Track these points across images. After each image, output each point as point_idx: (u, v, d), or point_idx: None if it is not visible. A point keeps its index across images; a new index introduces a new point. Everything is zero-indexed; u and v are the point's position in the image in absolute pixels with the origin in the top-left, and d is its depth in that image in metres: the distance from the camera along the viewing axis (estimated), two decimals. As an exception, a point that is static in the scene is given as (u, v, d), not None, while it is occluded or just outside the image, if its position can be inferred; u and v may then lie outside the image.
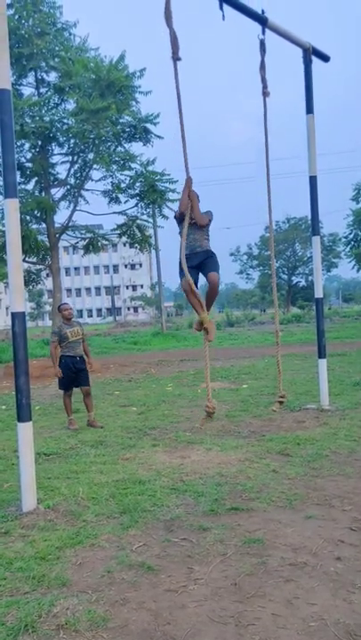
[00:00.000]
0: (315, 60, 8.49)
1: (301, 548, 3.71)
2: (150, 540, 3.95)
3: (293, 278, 61.98)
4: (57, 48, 15.99)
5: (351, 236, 37.13)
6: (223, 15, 6.45)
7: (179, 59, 5.37)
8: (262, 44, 6.89)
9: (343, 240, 40.69)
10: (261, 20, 6.92)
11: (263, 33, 6.97)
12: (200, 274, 5.59)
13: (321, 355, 8.64)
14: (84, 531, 4.15)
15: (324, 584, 3.22)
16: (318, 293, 8.88)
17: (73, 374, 8.04)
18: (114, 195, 17.48)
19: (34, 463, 4.76)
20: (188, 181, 5.44)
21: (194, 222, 5.48)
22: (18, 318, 4.67)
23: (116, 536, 4.05)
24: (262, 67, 6.86)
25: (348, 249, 38.64)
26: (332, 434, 6.71)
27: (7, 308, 58.39)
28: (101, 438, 7.17)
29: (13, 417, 6.75)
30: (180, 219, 5.58)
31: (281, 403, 6.91)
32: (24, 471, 4.65)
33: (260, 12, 6.93)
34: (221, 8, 6.40)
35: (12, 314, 4.68)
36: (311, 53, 8.36)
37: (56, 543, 3.94)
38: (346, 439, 6.44)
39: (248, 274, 64.24)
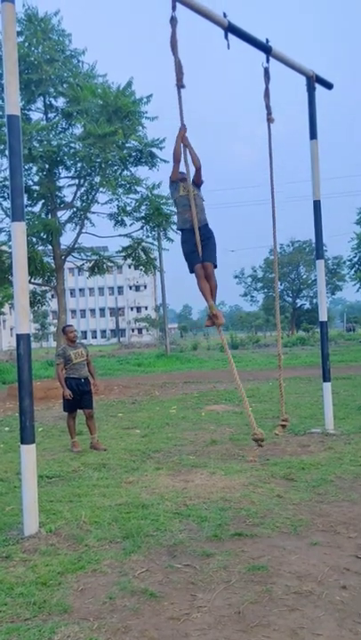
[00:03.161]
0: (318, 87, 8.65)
1: (306, 575, 3.65)
2: (153, 566, 3.90)
3: (298, 301, 62.08)
4: (65, 74, 16.29)
5: (356, 259, 37.31)
6: (228, 44, 6.60)
7: (183, 86, 5.51)
8: (266, 71, 7.03)
9: (348, 263, 40.88)
10: (266, 48, 7.07)
11: (267, 61, 7.12)
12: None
13: (326, 378, 8.60)
14: (86, 556, 4.10)
15: (330, 614, 3.16)
16: (323, 316, 8.88)
17: (77, 396, 8.01)
18: (119, 217, 17.61)
19: (36, 486, 4.73)
20: (182, 130, 5.50)
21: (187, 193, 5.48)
22: (23, 340, 4.68)
23: (119, 561, 4.00)
24: (267, 94, 6.98)
25: (352, 272, 38.77)
26: (338, 458, 6.65)
27: (12, 329, 58.53)
28: (104, 461, 7.12)
29: (16, 439, 6.72)
30: (175, 181, 5.66)
31: (284, 426, 6.87)
32: (26, 494, 4.61)
33: (264, 42, 7.08)
34: (226, 37, 6.56)
35: (17, 335, 4.69)
36: (315, 81, 8.51)
37: (58, 568, 3.89)
38: (351, 464, 6.37)
39: (252, 296, 64.50)
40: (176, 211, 5.94)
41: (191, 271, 5.70)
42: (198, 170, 5.74)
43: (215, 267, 5.66)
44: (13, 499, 5.57)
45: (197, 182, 5.78)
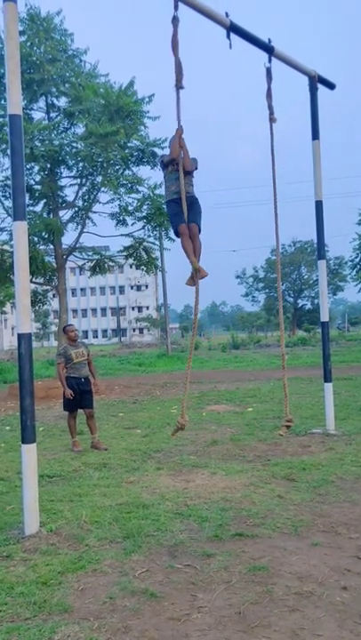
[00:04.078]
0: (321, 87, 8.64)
1: (307, 576, 3.65)
2: (153, 566, 3.90)
3: (299, 301, 62.05)
4: (68, 74, 16.29)
5: (357, 259, 37.23)
6: (230, 44, 6.59)
7: (182, 87, 5.51)
8: (269, 71, 7.02)
9: (349, 263, 40.85)
10: (268, 48, 7.06)
11: (270, 61, 7.11)
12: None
13: (327, 378, 8.60)
14: (86, 555, 4.10)
15: (331, 614, 3.16)
16: (324, 317, 8.88)
17: (78, 396, 8.01)
18: (121, 217, 17.60)
19: (37, 486, 4.73)
20: (179, 131, 5.56)
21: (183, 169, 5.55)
22: (24, 339, 4.68)
23: (119, 561, 3.99)
24: (269, 94, 6.98)
25: (354, 272, 38.73)
26: (339, 459, 6.64)
27: (13, 328, 58.58)
28: (105, 461, 7.12)
29: (17, 438, 6.72)
30: (165, 164, 5.74)
31: (288, 427, 6.85)
32: (27, 494, 4.61)
33: (266, 41, 7.07)
34: (229, 37, 6.55)
35: (19, 335, 4.69)
36: (317, 81, 8.50)
37: (58, 568, 3.89)
38: (352, 465, 6.36)
39: (254, 296, 64.53)
40: (164, 186, 6.00)
41: (176, 232, 5.76)
42: (190, 172, 5.75)
43: (200, 230, 5.69)
44: (14, 498, 5.57)
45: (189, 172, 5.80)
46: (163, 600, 3.40)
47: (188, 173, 5.77)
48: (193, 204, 5.67)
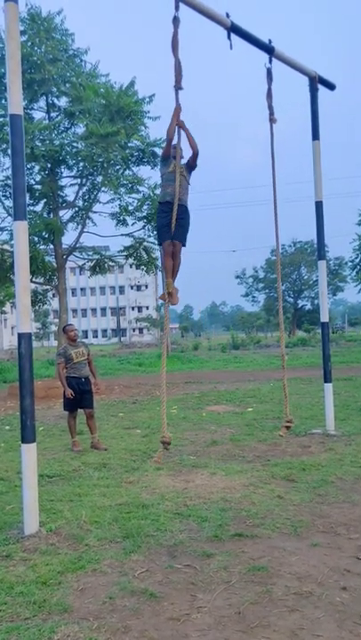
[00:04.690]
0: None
1: (307, 576, 3.65)
2: (153, 566, 3.90)
3: (299, 302, 62.06)
4: (68, 74, 16.29)
5: (357, 260, 37.30)
6: (231, 44, 6.60)
7: (180, 88, 5.47)
8: (269, 72, 7.04)
9: (349, 264, 40.90)
10: (268, 49, 7.07)
11: (270, 62, 7.12)
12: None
13: (327, 379, 8.60)
14: (86, 555, 4.10)
15: (330, 615, 3.16)
16: (324, 317, 8.88)
17: (78, 395, 8.01)
18: (121, 217, 17.61)
19: (37, 485, 4.73)
20: (177, 109, 5.46)
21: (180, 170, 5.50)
22: (24, 339, 4.68)
23: (119, 561, 4.00)
24: (269, 94, 6.99)
25: (354, 273, 38.76)
26: (338, 460, 6.64)
27: (13, 328, 58.55)
28: (105, 461, 7.12)
29: (17, 438, 6.73)
30: (167, 157, 5.64)
31: (288, 428, 6.86)
32: (27, 493, 4.61)
33: (266, 42, 7.07)
34: (229, 37, 6.55)
35: (19, 334, 4.69)
36: (317, 82, 8.50)
37: (58, 568, 3.89)
38: (352, 465, 6.37)
39: (254, 297, 64.54)
40: (161, 185, 5.97)
41: (159, 244, 5.86)
42: (195, 155, 5.73)
43: (184, 245, 5.73)
44: (14, 498, 5.57)
45: (192, 164, 5.78)
46: (162, 600, 3.41)
47: (190, 168, 5.75)
48: (183, 213, 5.61)
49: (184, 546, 4.22)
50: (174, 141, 5.56)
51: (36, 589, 3.57)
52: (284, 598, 3.36)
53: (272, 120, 7.01)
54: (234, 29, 6.55)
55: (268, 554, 4.03)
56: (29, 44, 15.65)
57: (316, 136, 8.61)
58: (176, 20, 5.50)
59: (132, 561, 3.99)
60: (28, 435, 4.66)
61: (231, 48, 6.58)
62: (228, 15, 6.49)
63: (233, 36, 6.59)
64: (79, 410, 8.17)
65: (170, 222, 5.47)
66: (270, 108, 7.00)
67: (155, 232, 18.25)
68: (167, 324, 5.98)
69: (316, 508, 4.99)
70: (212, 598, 3.41)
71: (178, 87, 5.45)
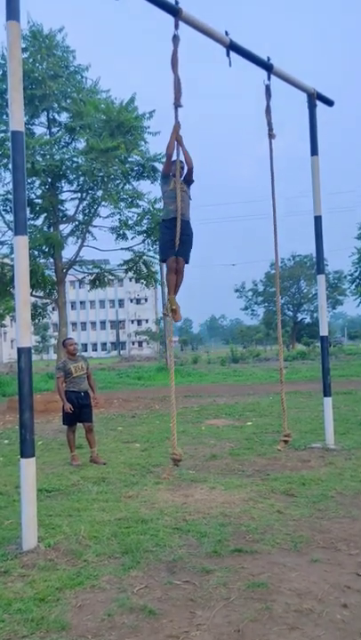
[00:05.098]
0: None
1: (307, 593, 3.62)
2: (152, 582, 3.87)
3: (298, 315, 62.14)
4: (69, 90, 16.48)
5: (356, 273, 37.45)
6: (230, 62, 6.68)
7: (180, 105, 5.53)
8: (268, 89, 7.13)
9: (348, 277, 41.01)
10: (267, 66, 7.17)
11: (269, 78, 7.22)
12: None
13: (326, 393, 8.58)
14: (84, 571, 4.07)
15: (331, 632, 3.13)
16: (323, 331, 8.89)
17: (77, 410, 8.00)
18: (121, 231, 17.70)
19: (35, 500, 4.71)
20: (177, 126, 5.52)
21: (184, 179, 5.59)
22: (24, 353, 4.69)
23: (118, 577, 3.96)
24: (268, 110, 7.08)
25: (353, 286, 38.88)
26: (338, 474, 6.61)
27: (12, 341, 58.51)
28: (104, 475, 7.08)
29: (16, 452, 6.70)
30: (167, 175, 5.71)
31: (286, 442, 6.85)
32: (25, 508, 4.59)
33: (265, 59, 7.17)
34: (228, 55, 6.64)
35: (19, 349, 4.70)
36: (316, 98, 8.60)
37: (56, 584, 3.86)
38: (352, 480, 6.34)
39: (253, 310, 64.66)
40: (163, 202, 6.03)
41: (162, 260, 5.88)
42: (190, 170, 5.82)
43: (187, 261, 5.79)
44: (12, 512, 5.54)
45: (188, 179, 5.86)
46: (161, 617, 3.37)
47: (188, 183, 5.82)
48: (188, 235, 5.68)
49: (183, 561, 4.19)
50: (174, 157, 5.63)
51: (34, 606, 3.54)
52: (284, 615, 3.34)
53: (271, 135, 7.10)
54: (233, 47, 6.64)
55: (268, 570, 4.00)
56: (31, 60, 15.85)
57: (314, 151, 8.68)
58: (176, 39, 5.58)
59: (130, 577, 3.96)
60: (27, 449, 4.65)
61: (230, 65, 6.67)
62: (227, 33, 6.58)
63: (232, 53, 6.68)
64: (78, 424, 8.15)
65: (173, 239, 5.51)
66: (269, 123, 7.09)
67: (155, 246, 18.36)
68: (171, 340, 6.04)
69: (316, 523, 4.96)
70: (212, 615, 3.38)
71: (177, 104, 5.50)
